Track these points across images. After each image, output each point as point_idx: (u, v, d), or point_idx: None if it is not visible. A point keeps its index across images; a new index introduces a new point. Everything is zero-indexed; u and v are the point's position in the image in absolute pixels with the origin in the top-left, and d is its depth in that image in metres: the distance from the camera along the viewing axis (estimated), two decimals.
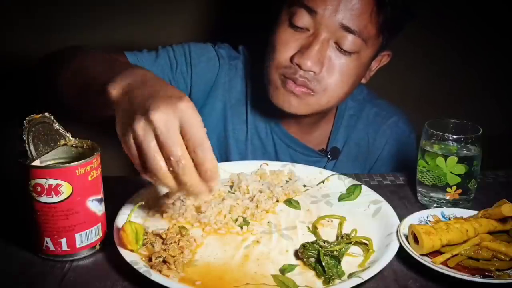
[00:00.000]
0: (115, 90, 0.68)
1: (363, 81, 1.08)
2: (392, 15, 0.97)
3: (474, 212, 0.80)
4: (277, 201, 0.88)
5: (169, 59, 1.09)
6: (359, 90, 1.18)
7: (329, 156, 1.16)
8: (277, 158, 1.15)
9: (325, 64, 0.97)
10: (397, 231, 0.76)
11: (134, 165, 0.67)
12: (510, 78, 1.77)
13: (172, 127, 0.62)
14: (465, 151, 0.86)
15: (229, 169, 0.97)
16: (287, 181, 0.95)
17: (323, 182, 0.95)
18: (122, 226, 0.70)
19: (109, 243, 0.74)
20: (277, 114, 1.09)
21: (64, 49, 0.97)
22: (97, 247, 0.74)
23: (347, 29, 0.94)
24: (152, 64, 1.07)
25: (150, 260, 0.70)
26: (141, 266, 0.66)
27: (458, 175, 0.85)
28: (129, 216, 0.75)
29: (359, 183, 0.92)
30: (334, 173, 0.96)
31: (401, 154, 1.19)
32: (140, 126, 0.63)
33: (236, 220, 0.81)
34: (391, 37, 1.02)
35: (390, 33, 1.01)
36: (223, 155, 1.15)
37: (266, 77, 1.03)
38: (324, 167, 1.09)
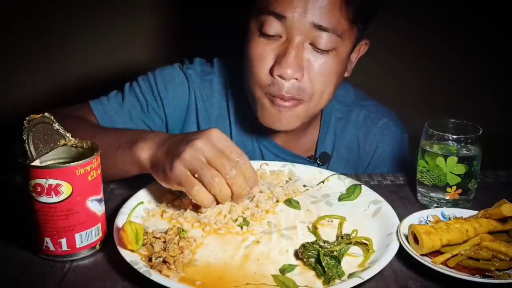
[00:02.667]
0: (146, 159, 0.82)
1: (346, 74, 1.05)
2: (361, 5, 0.95)
3: (474, 212, 0.80)
4: (277, 201, 0.88)
5: (137, 99, 1.07)
6: (346, 92, 1.16)
7: (318, 161, 1.14)
8: None
9: (305, 68, 0.94)
10: (397, 231, 0.76)
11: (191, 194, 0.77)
12: (510, 78, 1.77)
13: (214, 147, 0.77)
14: (465, 151, 0.86)
15: None
16: (287, 181, 0.95)
17: (323, 182, 0.95)
18: (122, 226, 0.70)
19: (109, 243, 0.74)
20: (262, 126, 1.05)
21: None
22: (97, 247, 0.74)
23: (320, 28, 0.92)
24: (120, 108, 1.05)
25: (150, 260, 0.70)
26: (141, 266, 0.66)
27: (458, 175, 0.85)
28: (129, 216, 0.75)
29: (359, 183, 0.92)
30: (334, 173, 0.96)
31: (394, 156, 1.17)
32: (189, 155, 0.75)
33: (236, 220, 0.81)
34: (365, 26, 1.00)
35: (363, 23, 0.99)
36: None
37: (251, 95, 1.01)
38: None
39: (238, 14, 1.03)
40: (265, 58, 0.95)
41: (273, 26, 0.93)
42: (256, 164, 0.99)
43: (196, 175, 0.76)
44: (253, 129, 1.11)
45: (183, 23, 1.62)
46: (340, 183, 0.94)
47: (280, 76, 0.94)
